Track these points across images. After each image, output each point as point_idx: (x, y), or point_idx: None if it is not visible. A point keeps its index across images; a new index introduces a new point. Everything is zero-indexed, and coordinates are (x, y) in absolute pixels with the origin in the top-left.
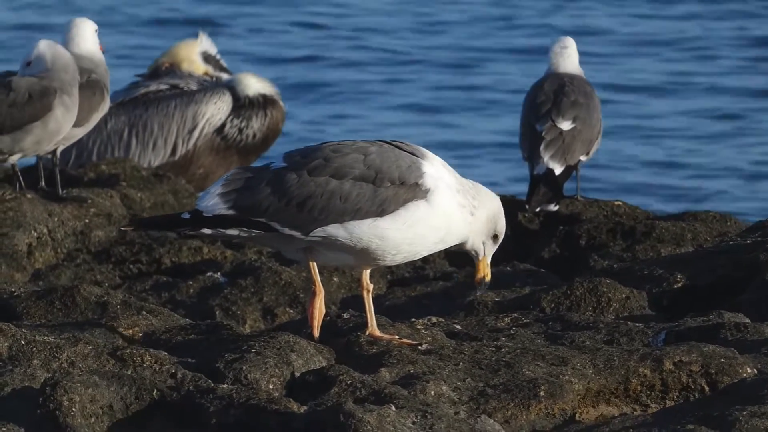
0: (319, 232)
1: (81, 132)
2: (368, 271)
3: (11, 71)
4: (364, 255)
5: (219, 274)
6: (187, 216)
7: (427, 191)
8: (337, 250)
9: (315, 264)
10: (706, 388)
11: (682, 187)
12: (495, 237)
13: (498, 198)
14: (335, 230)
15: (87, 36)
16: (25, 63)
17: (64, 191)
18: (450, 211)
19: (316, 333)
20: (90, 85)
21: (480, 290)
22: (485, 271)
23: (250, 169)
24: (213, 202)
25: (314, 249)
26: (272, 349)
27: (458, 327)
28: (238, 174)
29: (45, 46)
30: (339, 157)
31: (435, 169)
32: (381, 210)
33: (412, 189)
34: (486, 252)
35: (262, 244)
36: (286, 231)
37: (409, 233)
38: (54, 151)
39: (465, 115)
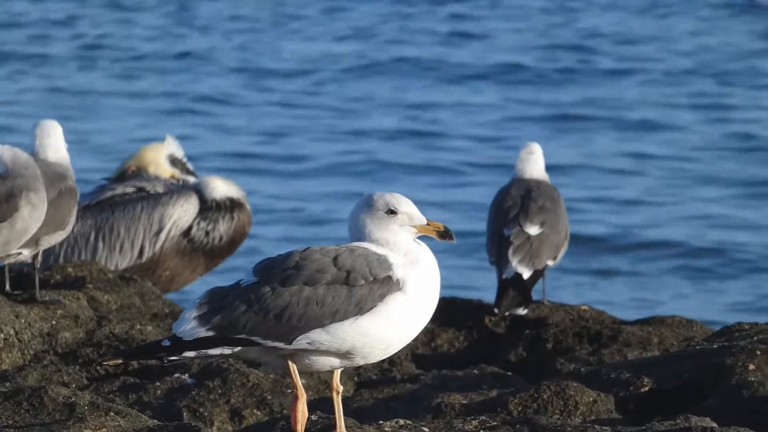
0: (301, 339)
1: (63, 235)
2: (339, 372)
3: None
4: (350, 355)
5: (186, 375)
6: (167, 343)
7: (399, 282)
8: (323, 354)
9: (296, 368)
10: None
11: None
12: (391, 212)
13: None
14: (317, 335)
15: (56, 139)
16: None
17: (41, 293)
18: (424, 293)
19: None
20: (68, 191)
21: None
22: (433, 227)
23: (222, 289)
24: (191, 326)
25: (297, 356)
26: None
27: (426, 429)
28: (211, 295)
29: (0, 150)
30: (309, 263)
31: (401, 259)
32: (359, 308)
33: (386, 283)
34: (417, 223)
35: (245, 358)
36: (269, 343)
37: (393, 326)
38: (36, 255)
39: None
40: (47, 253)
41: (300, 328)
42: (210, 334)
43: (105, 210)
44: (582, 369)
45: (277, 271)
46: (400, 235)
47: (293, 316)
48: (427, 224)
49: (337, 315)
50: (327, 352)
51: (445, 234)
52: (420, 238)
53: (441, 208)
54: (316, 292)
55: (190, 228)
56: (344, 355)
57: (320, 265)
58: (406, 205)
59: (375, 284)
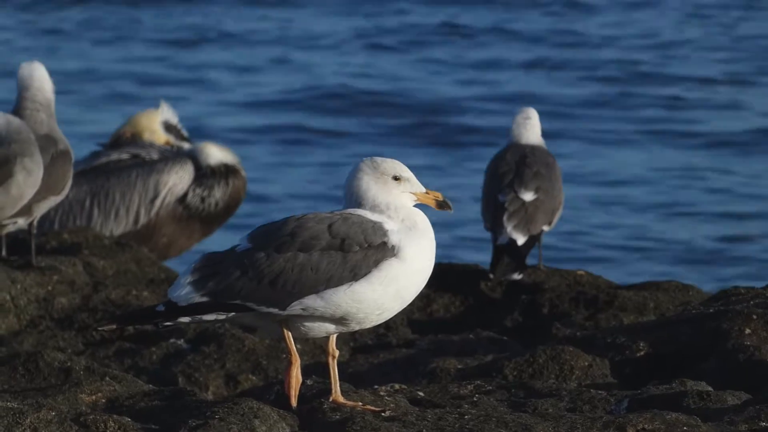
0: (296, 305)
1: (58, 199)
2: (334, 337)
3: None
4: (345, 321)
5: (182, 340)
6: (162, 308)
7: (394, 248)
8: (317, 320)
9: (290, 333)
10: None
11: None
12: (396, 179)
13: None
14: (312, 301)
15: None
16: None
17: (37, 259)
18: (420, 258)
19: (294, 402)
20: (62, 155)
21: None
22: (432, 196)
23: (217, 254)
24: (186, 291)
25: (292, 321)
26: (236, 416)
27: (421, 394)
28: (206, 260)
29: None
30: (303, 230)
31: (396, 225)
32: (354, 274)
33: (380, 249)
34: (417, 191)
35: (240, 324)
36: (264, 309)
37: (387, 292)
38: (32, 221)
39: None
40: (42, 218)
41: (294, 294)
42: (204, 299)
43: (100, 176)
44: (578, 333)
45: (271, 237)
46: (401, 200)
47: (287, 282)
48: (426, 193)
49: (332, 281)
50: (321, 318)
51: (443, 204)
52: (418, 206)
53: None
54: (310, 258)
55: (185, 194)
56: (339, 320)
57: (315, 233)
58: (407, 172)
59: (370, 250)
